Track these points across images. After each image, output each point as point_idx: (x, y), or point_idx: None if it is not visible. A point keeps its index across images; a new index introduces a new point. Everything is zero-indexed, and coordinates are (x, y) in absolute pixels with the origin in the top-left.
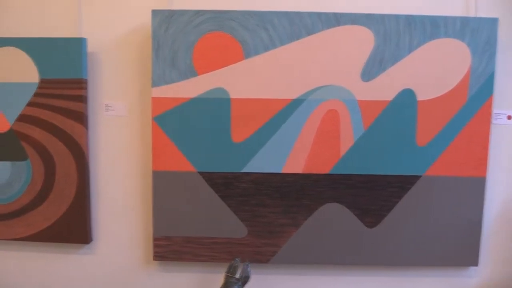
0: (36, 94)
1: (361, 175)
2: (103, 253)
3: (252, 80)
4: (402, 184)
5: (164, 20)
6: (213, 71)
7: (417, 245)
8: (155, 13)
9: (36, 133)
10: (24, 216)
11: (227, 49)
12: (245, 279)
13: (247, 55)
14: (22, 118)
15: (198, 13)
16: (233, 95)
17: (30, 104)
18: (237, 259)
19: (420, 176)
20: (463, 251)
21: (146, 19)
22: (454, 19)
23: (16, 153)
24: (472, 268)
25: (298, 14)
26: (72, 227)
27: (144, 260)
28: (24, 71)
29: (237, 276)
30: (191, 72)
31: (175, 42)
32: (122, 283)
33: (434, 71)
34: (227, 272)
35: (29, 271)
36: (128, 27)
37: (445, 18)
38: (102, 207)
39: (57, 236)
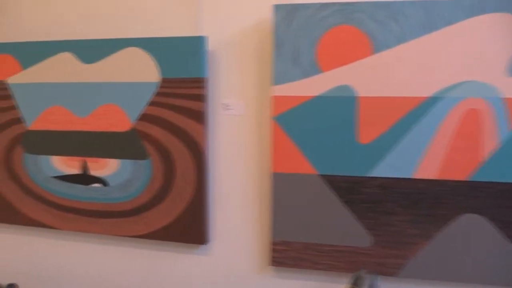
0: (156, 94)
1: (506, 183)
2: (218, 255)
3: (381, 76)
4: None
5: (286, 15)
6: (338, 67)
7: None
8: (277, 7)
9: (157, 132)
10: (143, 214)
11: (354, 43)
12: None
13: (376, 49)
14: (143, 117)
15: (323, 6)
16: (360, 93)
17: (151, 103)
18: (363, 270)
19: None
20: None
21: (264, 15)
22: None
23: (138, 152)
24: None
25: (435, 3)
26: (190, 227)
27: (260, 265)
28: (146, 71)
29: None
30: (314, 69)
31: (298, 38)
32: (237, 286)
33: None
34: (353, 284)
35: (146, 268)
36: (246, 24)
37: None
38: (219, 207)
39: (174, 235)
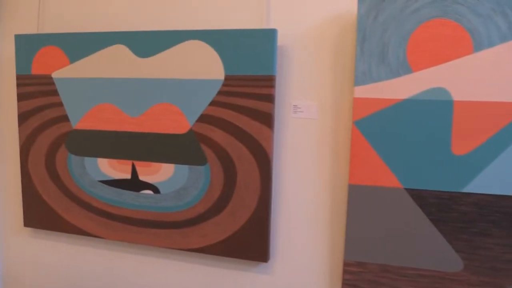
0: (220, 92)
1: None
2: (280, 274)
3: (482, 78)
4: None
5: (373, 6)
6: (432, 67)
7: None
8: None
9: (218, 135)
10: (198, 226)
11: (452, 40)
12: None
13: (478, 47)
14: (204, 118)
15: None
16: (456, 97)
17: (212, 103)
18: None
19: None
20: None
21: (344, 6)
22: None
23: (195, 157)
24: None
25: None
26: (250, 242)
27: (329, 286)
28: (209, 67)
29: None
30: (404, 69)
31: (385, 33)
32: None
33: None
34: None
35: (198, 285)
36: (321, 16)
37: None
38: (282, 221)
39: (232, 250)
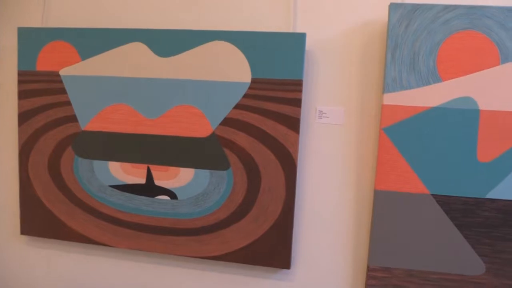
0: (246, 96)
1: None
2: (302, 281)
3: (507, 89)
4: None
5: (405, 15)
6: (460, 77)
7: None
8: (394, 7)
9: (242, 139)
10: (218, 232)
11: (480, 51)
12: None
13: (504, 59)
14: (227, 122)
15: (447, 8)
16: (483, 106)
17: (237, 106)
18: None
19: None
20: None
21: (372, 14)
22: None
23: (218, 161)
24: None
25: None
26: (273, 249)
27: None
28: (235, 69)
29: None
30: (434, 77)
31: (416, 41)
32: None
33: None
34: None
35: None
36: (349, 22)
37: None
38: (305, 227)
39: (254, 257)
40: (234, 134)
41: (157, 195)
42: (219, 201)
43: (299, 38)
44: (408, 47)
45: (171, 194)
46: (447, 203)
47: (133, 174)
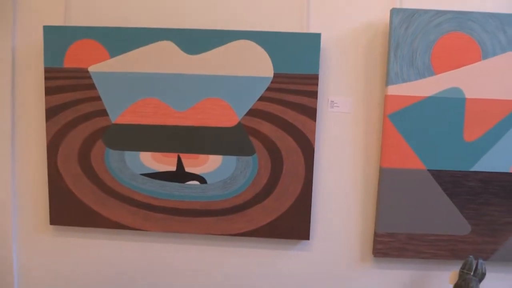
0: (269, 89)
1: None
2: (319, 249)
3: (488, 80)
4: None
5: (405, 19)
6: (450, 70)
7: None
8: (395, 11)
9: (265, 127)
10: (245, 212)
11: (466, 49)
12: (481, 276)
13: (485, 56)
14: (252, 112)
15: (439, 13)
16: (468, 95)
17: (261, 98)
18: (471, 256)
19: None
20: None
21: (376, 17)
22: None
23: (244, 148)
24: None
25: None
26: (294, 223)
27: (362, 256)
28: (259, 65)
29: (474, 272)
30: (428, 71)
31: (414, 41)
32: (339, 278)
33: None
34: (463, 269)
35: (249, 265)
36: (357, 24)
37: None
38: (321, 202)
39: (277, 232)
40: (258, 123)
41: (188, 180)
42: (245, 183)
43: (315, 38)
44: (407, 46)
45: (201, 179)
46: (439, 176)
47: (164, 162)
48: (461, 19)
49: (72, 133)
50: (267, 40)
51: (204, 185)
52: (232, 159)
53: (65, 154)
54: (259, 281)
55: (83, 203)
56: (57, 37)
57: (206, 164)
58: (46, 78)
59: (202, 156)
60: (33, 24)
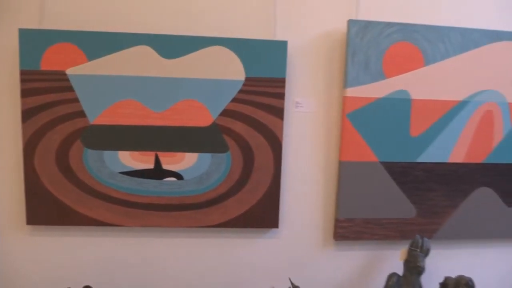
0: (241, 91)
1: (507, 164)
2: (287, 236)
3: (430, 83)
4: None
5: (360, 30)
6: (398, 75)
7: None
8: (352, 23)
9: (238, 127)
10: (220, 204)
11: (411, 57)
12: (427, 252)
13: (427, 62)
14: (226, 113)
15: (388, 24)
16: (413, 96)
17: (234, 100)
18: (418, 235)
19: None
20: None
21: (335, 27)
22: None
23: (218, 146)
24: None
25: (468, 30)
26: (265, 213)
27: (324, 240)
28: (232, 69)
29: (420, 249)
30: (380, 76)
31: (368, 49)
32: (305, 261)
33: None
34: (411, 246)
35: (223, 254)
36: (318, 33)
37: None
38: (288, 193)
39: (250, 222)
40: (231, 123)
41: (165, 177)
42: (219, 178)
43: (283, 45)
44: (362, 53)
45: (178, 176)
46: (390, 167)
47: (142, 161)
48: (407, 31)
49: (50, 134)
50: (239, 46)
51: (181, 181)
52: (207, 156)
53: (42, 155)
54: (234, 268)
55: (61, 202)
56: (33, 40)
57: (183, 162)
58: (22, 81)
59: (179, 154)
60: (7, 27)
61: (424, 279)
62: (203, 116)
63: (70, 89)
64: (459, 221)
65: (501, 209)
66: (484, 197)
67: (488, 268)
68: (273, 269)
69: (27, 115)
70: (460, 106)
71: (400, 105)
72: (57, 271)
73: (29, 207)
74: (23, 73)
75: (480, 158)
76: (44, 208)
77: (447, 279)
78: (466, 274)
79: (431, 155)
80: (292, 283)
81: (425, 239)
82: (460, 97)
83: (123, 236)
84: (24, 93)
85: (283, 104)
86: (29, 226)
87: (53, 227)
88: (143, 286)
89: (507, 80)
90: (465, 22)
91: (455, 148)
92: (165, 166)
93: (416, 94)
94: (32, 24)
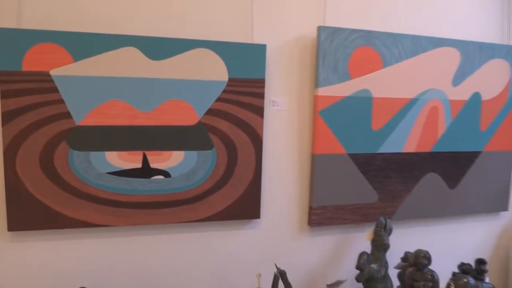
0: (224, 91)
1: (449, 152)
2: (267, 226)
3: (387, 83)
4: (470, 158)
5: (329, 35)
6: (361, 76)
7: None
8: (322, 29)
9: (222, 125)
10: (206, 199)
11: (372, 60)
12: (390, 231)
13: (385, 65)
14: (211, 112)
15: (353, 31)
16: (374, 94)
17: (218, 99)
18: (382, 217)
19: (481, 152)
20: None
21: (306, 32)
22: (503, 46)
23: (203, 143)
24: (502, 213)
25: (417, 37)
26: (247, 206)
27: (301, 227)
28: (216, 71)
29: (384, 229)
30: (347, 76)
31: (337, 53)
32: (283, 247)
33: (494, 80)
34: (377, 227)
35: (209, 246)
36: (289, 37)
37: (499, 46)
38: (268, 186)
39: (234, 214)
40: (216, 121)
41: (153, 176)
42: (205, 175)
43: (262, 48)
44: (331, 56)
45: (165, 174)
46: (355, 158)
47: (129, 160)
48: (368, 37)
49: (33, 136)
50: (223, 49)
51: (168, 178)
52: (193, 153)
53: (24, 158)
54: (221, 258)
55: (45, 205)
56: (12, 40)
57: (170, 160)
58: (1, 82)
59: (166, 153)
60: None
61: (388, 255)
62: (189, 115)
63: (55, 90)
64: (412, 203)
65: (445, 191)
66: (431, 181)
67: (439, 242)
68: (256, 256)
69: (7, 117)
70: (411, 103)
71: (363, 102)
72: (44, 277)
73: (10, 213)
74: (2, 74)
75: (428, 147)
76: (27, 213)
77: (407, 253)
78: (422, 248)
79: (389, 146)
80: (277, 268)
81: (388, 220)
82: (411, 95)
83: (111, 236)
84: (4, 95)
85: (263, 103)
86: (11, 233)
87: (37, 231)
88: (135, 285)
89: (447, 80)
90: (414, 29)
91: (408, 139)
92: (153, 165)
93: (377, 92)
94: (11, 23)
